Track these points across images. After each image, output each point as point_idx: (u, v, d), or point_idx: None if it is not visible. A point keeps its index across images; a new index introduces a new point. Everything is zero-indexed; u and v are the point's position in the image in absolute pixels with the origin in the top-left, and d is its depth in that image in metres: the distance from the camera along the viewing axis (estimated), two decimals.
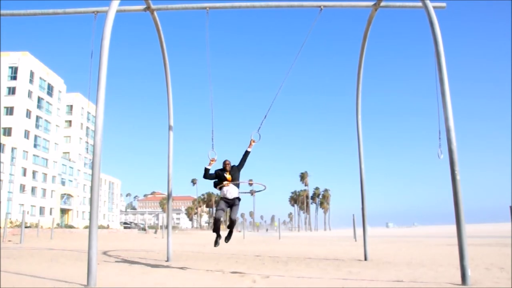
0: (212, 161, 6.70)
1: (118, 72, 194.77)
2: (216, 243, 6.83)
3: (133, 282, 5.31)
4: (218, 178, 6.70)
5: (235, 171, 6.66)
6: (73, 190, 66.12)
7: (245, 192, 7.58)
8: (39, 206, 55.69)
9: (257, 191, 7.29)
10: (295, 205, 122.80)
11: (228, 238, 6.97)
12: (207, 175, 6.71)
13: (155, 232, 38.44)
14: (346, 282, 5.30)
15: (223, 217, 6.81)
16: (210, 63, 7.81)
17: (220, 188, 6.61)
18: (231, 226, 6.76)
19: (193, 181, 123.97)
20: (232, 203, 6.58)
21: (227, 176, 6.58)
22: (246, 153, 6.76)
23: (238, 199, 6.63)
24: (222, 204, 6.58)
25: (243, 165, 6.74)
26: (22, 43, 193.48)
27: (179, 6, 7.76)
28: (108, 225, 73.67)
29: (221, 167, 6.74)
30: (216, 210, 6.67)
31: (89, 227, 5.03)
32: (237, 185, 6.67)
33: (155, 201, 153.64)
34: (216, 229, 6.76)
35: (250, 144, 6.75)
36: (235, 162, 6.76)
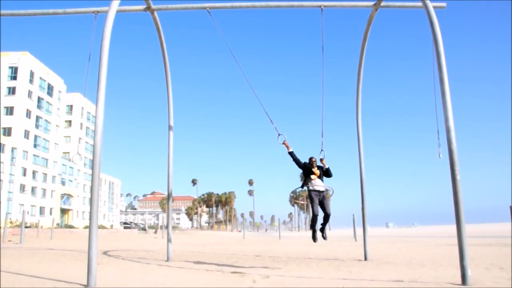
0: (285, 143, 6.99)
1: (118, 72, 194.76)
2: (314, 238, 7.05)
3: (133, 282, 5.31)
4: (305, 169, 6.95)
5: (322, 172, 6.95)
6: (73, 190, 66.12)
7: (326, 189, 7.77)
8: (39, 206, 55.68)
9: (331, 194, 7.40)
10: (295, 205, 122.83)
11: (323, 233, 7.14)
12: (295, 157, 6.98)
13: (155, 232, 38.44)
14: (346, 282, 5.30)
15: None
16: (238, 62, 7.71)
17: (309, 182, 6.86)
18: (326, 221, 6.94)
19: (193, 181, 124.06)
20: (323, 196, 6.82)
21: (315, 170, 6.87)
22: (329, 170, 7.02)
23: (327, 191, 6.90)
24: (315, 198, 6.79)
25: (330, 174, 7.04)
26: (22, 43, 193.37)
27: (179, 6, 7.76)
28: (112, 225, 73.62)
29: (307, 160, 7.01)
30: (312, 206, 6.84)
31: (89, 227, 5.03)
32: (322, 180, 6.94)
33: (155, 201, 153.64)
34: (313, 224, 6.98)
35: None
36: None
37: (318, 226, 7.06)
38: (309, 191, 6.85)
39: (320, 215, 6.84)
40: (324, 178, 7.02)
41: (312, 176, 6.80)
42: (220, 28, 7.58)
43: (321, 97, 7.76)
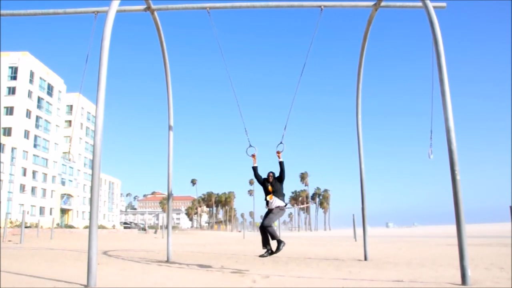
0: (253, 157, 6.92)
1: (118, 72, 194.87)
2: (262, 255, 6.70)
3: (133, 282, 5.31)
4: (263, 186, 6.84)
5: (276, 182, 6.76)
6: (73, 190, 66.12)
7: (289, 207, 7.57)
8: (39, 206, 55.68)
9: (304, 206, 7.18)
10: (295, 205, 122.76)
11: (277, 249, 6.57)
12: (257, 174, 6.93)
13: (155, 232, 38.43)
14: (346, 282, 5.30)
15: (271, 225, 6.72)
16: (226, 63, 7.82)
17: (267, 201, 6.75)
18: (268, 233, 6.62)
19: (193, 181, 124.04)
20: (273, 211, 6.66)
21: (269, 187, 6.72)
22: (281, 164, 6.85)
23: (279, 207, 6.65)
24: (266, 214, 6.69)
25: (283, 175, 6.83)
26: (22, 43, 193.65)
27: (179, 6, 7.75)
28: (114, 225, 73.55)
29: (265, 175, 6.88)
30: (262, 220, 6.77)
31: (89, 227, 5.03)
32: (281, 196, 6.75)
33: (155, 201, 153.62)
34: (264, 240, 6.68)
35: (279, 155, 6.85)
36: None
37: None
38: (268, 210, 6.76)
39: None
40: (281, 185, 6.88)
41: (268, 197, 6.68)
42: (216, 29, 7.66)
43: (291, 94, 7.73)
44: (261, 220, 7.03)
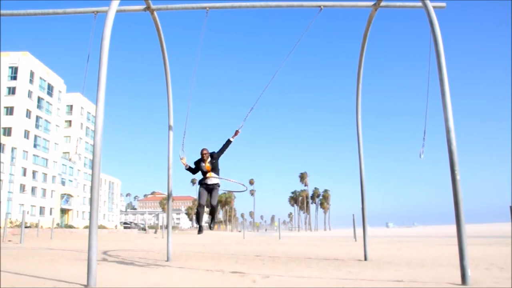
0: (182, 160, 6.98)
1: (118, 72, 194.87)
2: (200, 231, 7.12)
3: (133, 282, 5.31)
4: (199, 170, 6.85)
5: (214, 159, 6.77)
6: (73, 190, 66.13)
7: (225, 191, 7.74)
8: (39, 206, 55.69)
9: (236, 192, 7.43)
10: (295, 205, 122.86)
11: (211, 223, 7.20)
12: (192, 170, 6.99)
13: (155, 232, 38.44)
14: (346, 282, 5.30)
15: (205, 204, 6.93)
16: (198, 61, 8.06)
17: (203, 180, 6.80)
18: (212, 212, 6.96)
19: (193, 181, 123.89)
20: (211, 188, 6.75)
21: (206, 166, 6.75)
22: (228, 142, 6.88)
23: (218, 184, 6.76)
24: (203, 191, 6.78)
25: (222, 152, 6.84)
26: (22, 43, 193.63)
27: (179, 6, 7.75)
28: (116, 225, 73.41)
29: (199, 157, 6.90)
30: (198, 198, 6.82)
31: (89, 227, 5.03)
32: (217, 173, 6.83)
33: (155, 201, 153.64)
34: (197, 217, 6.94)
35: (235, 134, 6.89)
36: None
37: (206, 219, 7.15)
38: (200, 185, 6.87)
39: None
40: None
41: (207, 175, 6.74)
42: (206, 29, 7.74)
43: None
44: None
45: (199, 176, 7.03)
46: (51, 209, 58.79)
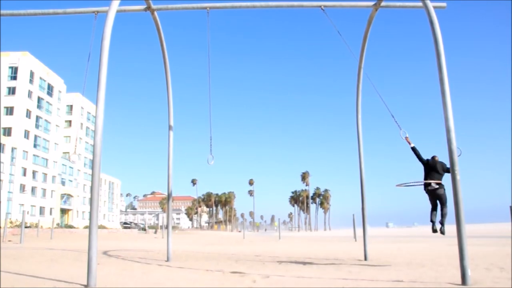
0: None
1: (118, 72, 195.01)
2: (435, 230, 8.06)
3: (133, 282, 5.31)
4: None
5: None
6: (73, 190, 66.12)
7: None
8: (39, 206, 55.69)
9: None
10: (295, 205, 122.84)
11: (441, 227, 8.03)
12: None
13: (155, 232, 38.44)
14: (346, 282, 5.30)
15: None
16: (210, 64, 7.93)
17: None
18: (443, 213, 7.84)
19: (193, 181, 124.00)
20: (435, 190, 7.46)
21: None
22: (414, 149, 7.59)
23: (439, 187, 7.33)
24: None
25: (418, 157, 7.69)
26: (22, 43, 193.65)
27: (179, 6, 7.76)
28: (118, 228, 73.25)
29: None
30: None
31: (89, 227, 5.03)
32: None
33: (155, 201, 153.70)
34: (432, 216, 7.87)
35: (408, 141, 7.52)
36: None
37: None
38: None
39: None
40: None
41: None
42: (210, 29, 7.74)
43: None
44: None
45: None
46: (51, 209, 58.78)
